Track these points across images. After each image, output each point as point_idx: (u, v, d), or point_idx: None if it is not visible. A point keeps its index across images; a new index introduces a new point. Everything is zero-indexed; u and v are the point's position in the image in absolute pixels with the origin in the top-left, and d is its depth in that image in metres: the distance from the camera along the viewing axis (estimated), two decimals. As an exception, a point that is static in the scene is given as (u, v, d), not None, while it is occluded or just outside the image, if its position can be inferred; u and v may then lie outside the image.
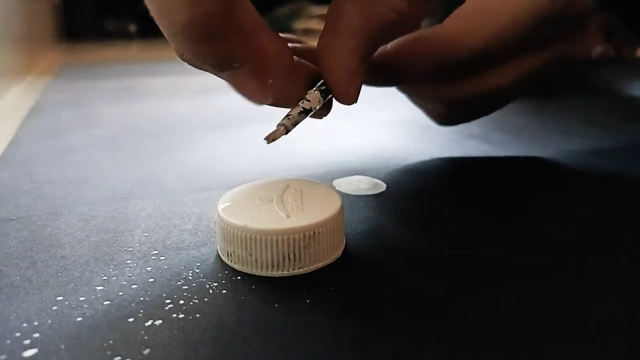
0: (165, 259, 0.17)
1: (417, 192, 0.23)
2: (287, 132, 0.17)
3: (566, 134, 0.33)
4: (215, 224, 0.18)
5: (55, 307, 0.14)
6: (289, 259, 0.15)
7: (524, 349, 0.12)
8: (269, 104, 0.17)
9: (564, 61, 0.24)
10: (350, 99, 0.17)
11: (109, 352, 0.12)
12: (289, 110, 0.17)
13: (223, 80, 0.16)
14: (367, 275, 0.16)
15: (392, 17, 0.16)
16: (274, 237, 0.15)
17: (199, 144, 0.31)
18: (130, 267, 0.16)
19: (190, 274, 0.16)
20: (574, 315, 0.14)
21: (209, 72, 0.16)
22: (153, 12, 0.14)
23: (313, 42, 0.19)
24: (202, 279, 0.15)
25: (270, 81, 0.15)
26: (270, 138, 0.16)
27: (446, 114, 0.26)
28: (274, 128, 0.16)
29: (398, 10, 0.16)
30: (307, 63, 0.18)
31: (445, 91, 0.24)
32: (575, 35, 0.23)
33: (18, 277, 0.15)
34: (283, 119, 0.17)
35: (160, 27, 0.14)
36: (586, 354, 0.12)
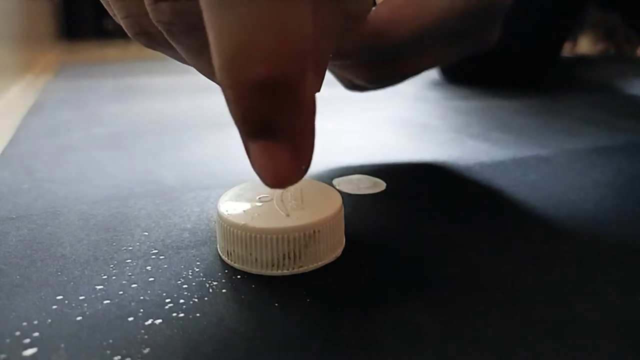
0: (165, 258, 0.17)
1: (417, 191, 0.23)
2: None
3: (566, 133, 0.33)
4: (215, 222, 0.18)
5: (55, 306, 0.14)
6: (289, 258, 0.15)
7: (522, 349, 0.12)
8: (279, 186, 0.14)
9: (477, 48, 0.27)
10: None
11: (108, 351, 0.12)
12: None
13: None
14: (367, 274, 0.16)
15: None
16: (274, 236, 0.15)
17: (199, 143, 0.31)
18: (130, 266, 0.16)
19: (190, 273, 0.16)
20: (575, 315, 0.14)
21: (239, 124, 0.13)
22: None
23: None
24: (202, 278, 0.15)
25: (304, 166, 0.13)
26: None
27: (359, 85, 0.27)
28: None
29: None
30: None
31: (365, 69, 0.25)
32: (491, 26, 0.26)
33: (18, 276, 0.15)
34: None
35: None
36: (586, 353, 0.12)
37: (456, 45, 0.25)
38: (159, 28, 0.15)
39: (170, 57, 0.18)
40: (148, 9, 0.14)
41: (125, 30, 0.16)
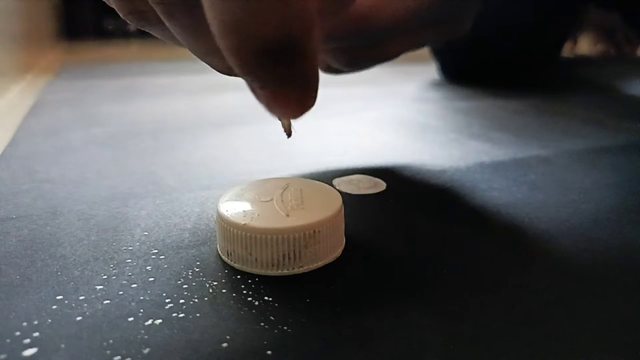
0: (165, 258, 0.17)
1: (417, 191, 0.23)
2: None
3: (566, 133, 0.33)
4: (215, 222, 0.18)
5: (55, 306, 0.14)
6: (289, 258, 0.15)
7: (522, 349, 0.12)
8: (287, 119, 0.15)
9: (448, 37, 0.29)
10: None
11: (108, 351, 0.12)
12: None
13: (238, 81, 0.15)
14: (367, 274, 0.16)
15: None
16: (274, 236, 0.15)
17: (199, 143, 0.31)
18: (130, 266, 0.16)
19: (190, 273, 0.16)
20: (575, 315, 0.14)
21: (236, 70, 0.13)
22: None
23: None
24: (202, 278, 0.15)
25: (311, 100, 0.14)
26: (288, 130, 0.16)
27: (336, 69, 0.28)
28: (278, 122, 0.17)
29: None
30: None
31: (345, 54, 0.26)
32: (461, 17, 0.28)
33: (18, 276, 0.15)
34: None
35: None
36: (586, 353, 0.12)
37: (429, 32, 0.27)
38: (156, 9, 0.15)
39: (158, 36, 0.18)
40: None
41: (117, 10, 0.16)
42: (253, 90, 0.14)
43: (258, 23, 0.11)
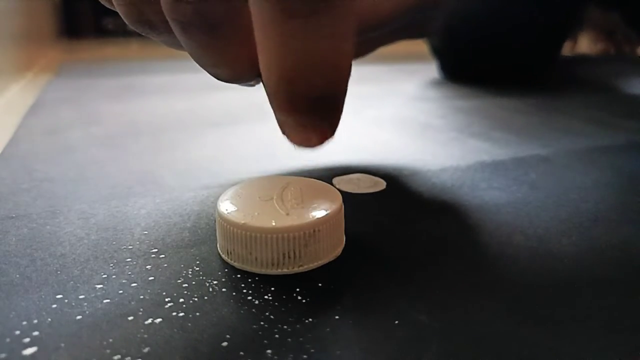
0: (165, 257, 0.17)
1: (417, 191, 0.23)
2: None
3: (566, 132, 0.33)
4: (215, 221, 0.18)
5: (54, 305, 0.14)
6: (289, 257, 0.15)
7: (522, 349, 0.12)
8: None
9: (416, 36, 0.31)
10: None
11: (108, 351, 0.12)
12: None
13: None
14: (367, 273, 0.16)
15: None
16: (274, 235, 0.15)
17: (199, 142, 0.31)
18: (130, 265, 0.16)
19: (190, 272, 0.16)
20: (575, 315, 0.14)
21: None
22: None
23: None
24: (202, 277, 0.15)
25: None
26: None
27: None
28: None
29: None
30: None
31: None
32: (432, 19, 0.29)
33: (17, 275, 0.15)
34: None
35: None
36: (586, 353, 0.12)
37: (400, 34, 0.28)
38: (172, 24, 0.15)
39: (162, 43, 0.18)
40: (164, 7, 0.14)
41: (122, 16, 0.16)
42: (283, 125, 0.15)
43: (313, 75, 0.13)
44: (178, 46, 0.17)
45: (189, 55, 0.17)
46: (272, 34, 0.13)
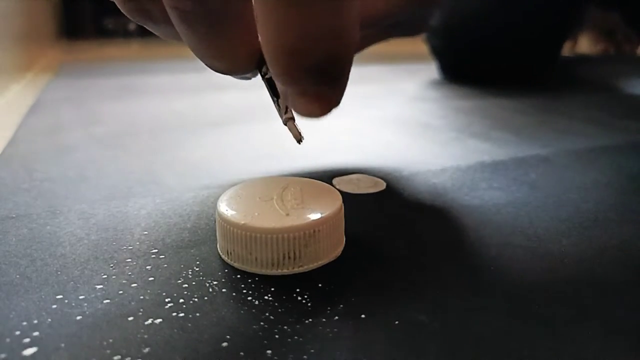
0: (165, 257, 0.17)
1: (417, 191, 0.23)
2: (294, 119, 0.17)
3: (566, 132, 0.33)
4: (215, 222, 0.18)
5: (54, 306, 0.14)
6: (289, 257, 0.15)
7: (522, 349, 0.12)
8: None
9: (409, 34, 0.31)
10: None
11: (108, 351, 0.12)
12: (274, 100, 0.18)
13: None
14: (367, 273, 0.16)
15: None
16: (274, 236, 0.15)
17: (199, 142, 0.31)
18: (130, 265, 0.16)
19: (190, 273, 0.16)
20: (575, 314, 0.14)
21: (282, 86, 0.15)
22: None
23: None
24: (202, 277, 0.15)
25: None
26: (298, 137, 0.17)
27: None
28: (285, 127, 0.17)
29: None
30: None
31: None
32: (425, 18, 0.30)
33: (17, 276, 0.15)
34: (285, 113, 0.17)
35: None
36: (586, 353, 0.12)
37: (393, 32, 0.28)
38: (171, 13, 0.15)
39: (158, 34, 0.18)
40: None
41: (119, 6, 0.16)
42: (288, 95, 0.15)
43: (313, 46, 0.13)
44: (175, 38, 0.17)
45: (189, 56, 0.17)
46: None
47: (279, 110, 0.18)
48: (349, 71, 0.15)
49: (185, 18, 0.15)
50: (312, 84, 0.14)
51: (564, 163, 0.27)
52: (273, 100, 0.18)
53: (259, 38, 0.14)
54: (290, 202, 0.16)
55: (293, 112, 0.16)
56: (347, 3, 0.13)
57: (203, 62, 0.17)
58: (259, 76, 0.18)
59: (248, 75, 0.18)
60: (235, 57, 0.16)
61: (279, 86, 0.15)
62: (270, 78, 0.18)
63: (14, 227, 0.19)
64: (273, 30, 0.13)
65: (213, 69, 0.17)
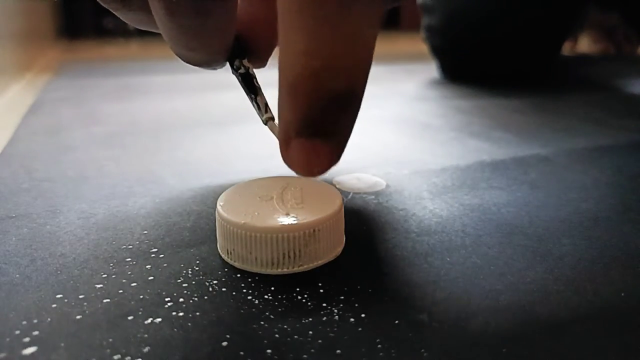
0: (165, 256, 0.17)
1: (417, 191, 0.23)
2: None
3: (566, 132, 0.33)
4: (214, 221, 0.18)
5: (54, 305, 0.14)
6: (289, 256, 0.15)
7: (522, 349, 0.12)
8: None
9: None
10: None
11: (108, 350, 0.12)
12: (251, 99, 0.18)
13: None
14: (367, 273, 0.16)
15: None
16: (274, 235, 0.15)
17: (199, 142, 0.31)
18: (130, 265, 0.16)
19: (189, 272, 0.16)
20: (575, 315, 0.14)
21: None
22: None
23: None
24: (202, 277, 0.15)
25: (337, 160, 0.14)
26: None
27: None
28: (266, 127, 0.17)
29: None
30: None
31: None
32: None
33: (17, 275, 0.15)
34: (265, 112, 0.17)
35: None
36: (586, 353, 0.12)
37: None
38: (153, 3, 0.14)
39: (130, 22, 0.17)
40: None
41: None
42: (286, 144, 0.13)
43: (332, 76, 0.12)
44: (148, 25, 0.16)
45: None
46: (303, 18, 0.11)
47: (257, 109, 0.18)
48: (358, 110, 0.13)
49: (169, 7, 0.14)
50: (327, 117, 0.13)
51: (564, 163, 0.27)
52: (250, 99, 0.18)
53: (278, 59, 0.13)
54: (290, 201, 0.16)
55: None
56: (376, 19, 0.12)
57: (176, 52, 0.16)
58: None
59: (217, 67, 0.18)
60: (211, 49, 0.16)
61: (285, 118, 0.13)
62: (245, 74, 0.18)
63: (14, 227, 0.19)
64: (300, 46, 0.12)
65: (185, 60, 0.17)
